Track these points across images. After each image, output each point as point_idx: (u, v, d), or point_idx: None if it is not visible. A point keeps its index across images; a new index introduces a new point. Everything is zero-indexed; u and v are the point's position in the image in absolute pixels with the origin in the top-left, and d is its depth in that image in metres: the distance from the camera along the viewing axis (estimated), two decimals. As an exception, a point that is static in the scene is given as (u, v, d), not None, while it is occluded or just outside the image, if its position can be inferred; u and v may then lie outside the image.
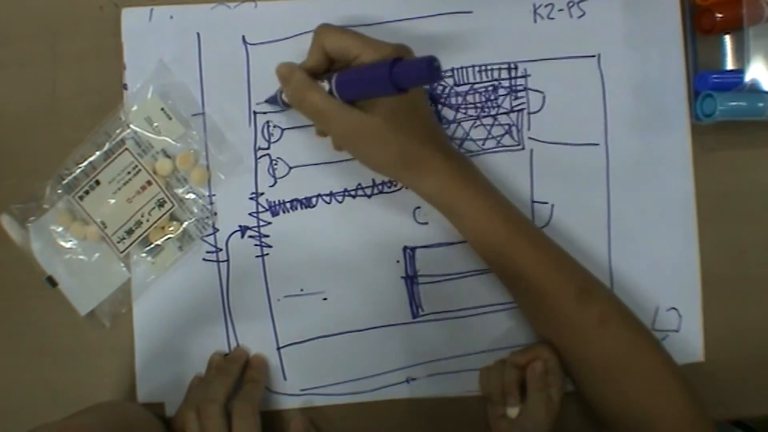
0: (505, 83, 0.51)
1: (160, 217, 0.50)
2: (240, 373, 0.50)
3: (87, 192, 0.50)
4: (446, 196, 0.44)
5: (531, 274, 0.45)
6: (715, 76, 0.49)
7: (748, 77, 0.47)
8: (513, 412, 0.47)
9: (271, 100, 0.50)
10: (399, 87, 0.37)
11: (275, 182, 0.51)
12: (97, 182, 0.49)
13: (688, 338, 0.52)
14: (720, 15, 0.48)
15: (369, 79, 0.40)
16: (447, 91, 0.51)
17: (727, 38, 0.50)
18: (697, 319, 0.52)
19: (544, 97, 0.51)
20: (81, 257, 0.51)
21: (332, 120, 0.42)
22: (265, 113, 0.51)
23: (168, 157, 0.50)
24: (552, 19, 0.51)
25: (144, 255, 0.50)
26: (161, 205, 0.50)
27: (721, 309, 0.52)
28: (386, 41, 0.42)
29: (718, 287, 0.52)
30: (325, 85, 0.42)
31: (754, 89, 0.48)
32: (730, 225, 0.52)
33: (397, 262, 0.51)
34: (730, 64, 0.51)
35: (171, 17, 0.50)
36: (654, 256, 0.51)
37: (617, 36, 0.51)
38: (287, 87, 0.44)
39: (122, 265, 0.51)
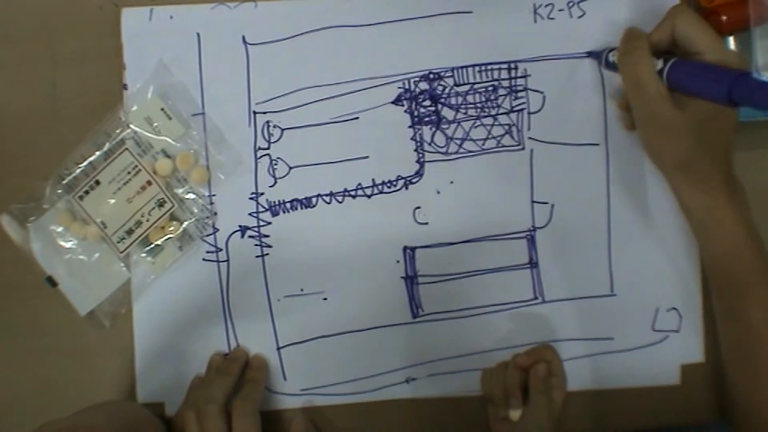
0: (505, 83, 0.51)
1: (160, 217, 0.50)
2: (240, 374, 0.50)
3: (87, 192, 0.50)
4: (708, 215, 0.44)
5: (754, 316, 0.43)
6: None
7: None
8: (515, 414, 0.47)
9: (595, 55, 0.50)
10: (734, 101, 0.37)
11: (275, 182, 0.51)
12: (97, 182, 0.49)
13: (688, 338, 0.52)
14: (726, 17, 0.48)
15: (708, 82, 0.39)
16: (447, 91, 0.51)
17: (731, 39, 0.50)
18: (698, 319, 0.52)
19: (544, 97, 0.51)
20: (81, 257, 0.51)
21: (647, 101, 0.42)
22: (264, 113, 0.51)
23: (168, 157, 0.50)
24: (552, 19, 0.51)
25: (144, 255, 0.50)
26: (161, 205, 0.50)
27: None
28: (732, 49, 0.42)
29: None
30: (658, 63, 0.42)
31: None
32: None
33: (397, 262, 0.51)
34: None
35: (171, 17, 0.50)
36: (654, 256, 0.51)
37: (618, 36, 0.51)
38: (625, 45, 0.44)
39: (122, 265, 0.51)
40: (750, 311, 0.44)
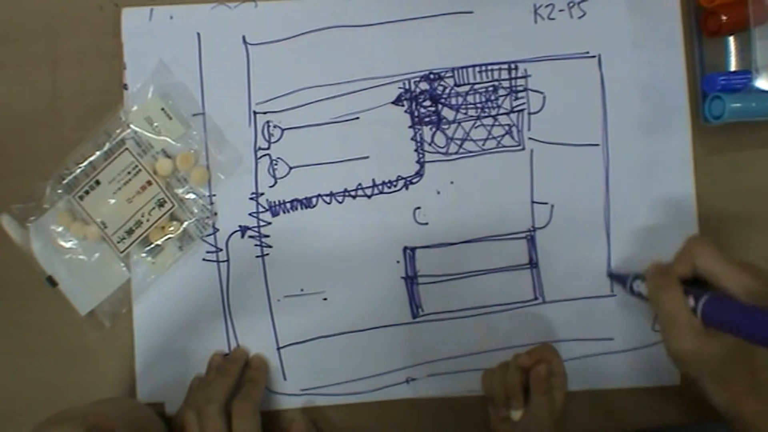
0: (506, 84, 0.51)
1: (160, 217, 0.50)
2: (240, 374, 0.50)
3: (87, 192, 0.50)
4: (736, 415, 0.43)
5: None
6: (722, 77, 0.49)
7: (756, 78, 0.47)
8: (516, 414, 0.47)
9: (619, 280, 0.50)
10: None
11: (275, 182, 0.51)
12: (98, 182, 0.49)
13: (688, 339, 0.52)
14: (726, 17, 0.48)
15: (748, 328, 0.38)
16: (447, 91, 0.51)
17: (731, 39, 0.50)
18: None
19: (544, 98, 0.51)
20: (81, 257, 0.51)
21: (681, 335, 0.41)
22: (264, 113, 0.51)
23: (168, 157, 0.50)
24: (552, 19, 0.51)
25: (144, 255, 0.50)
26: (161, 205, 0.50)
27: None
28: (755, 275, 0.40)
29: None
30: (690, 300, 0.42)
31: (762, 90, 0.48)
32: (731, 225, 0.52)
33: (397, 262, 0.51)
34: (734, 65, 0.50)
35: (171, 17, 0.50)
36: (654, 256, 0.51)
37: (618, 36, 0.51)
38: (656, 281, 0.43)
39: (122, 265, 0.51)
40: None
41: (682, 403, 0.51)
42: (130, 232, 0.50)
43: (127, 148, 0.49)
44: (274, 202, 0.51)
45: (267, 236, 0.51)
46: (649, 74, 0.51)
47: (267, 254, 0.51)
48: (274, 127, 0.51)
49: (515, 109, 0.51)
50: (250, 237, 0.51)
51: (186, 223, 0.50)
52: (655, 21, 0.51)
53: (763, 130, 0.51)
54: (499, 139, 0.51)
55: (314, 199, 0.51)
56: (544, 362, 0.47)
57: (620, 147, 0.51)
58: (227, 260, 0.51)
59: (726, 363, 0.42)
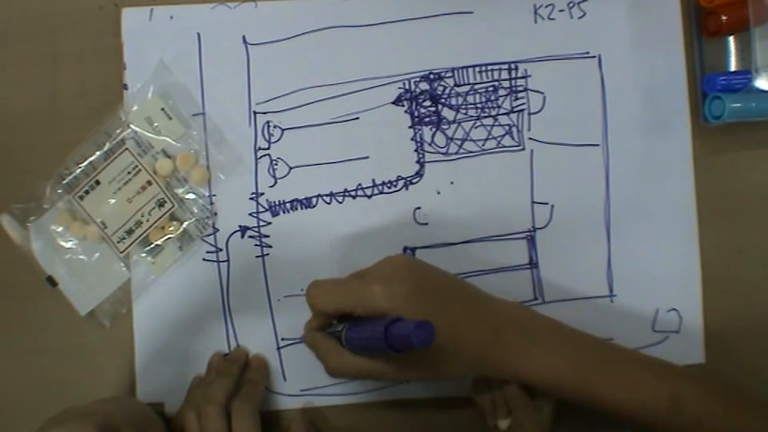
0: (506, 84, 0.51)
1: (160, 217, 0.50)
2: (240, 374, 0.50)
3: (87, 192, 0.50)
4: (528, 368, 0.42)
5: (615, 404, 0.42)
6: (722, 77, 0.49)
7: (755, 78, 0.47)
8: (503, 424, 0.46)
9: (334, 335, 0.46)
10: (398, 350, 0.36)
11: (275, 182, 0.51)
12: (97, 182, 0.49)
13: (688, 339, 0.52)
14: (726, 17, 0.48)
15: (371, 343, 0.39)
16: (447, 91, 0.51)
17: (731, 39, 0.50)
18: (698, 320, 0.52)
19: (544, 98, 0.51)
20: (81, 257, 0.51)
21: (383, 374, 0.41)
22: (265, 113, 0.51)
23: (168, 157, 0.50)
24: (552, 19, 0.51)
25: (144, 255, 0.50)
26: (161, 205, 0.50)
27: (722, 309, 0.52)
28: (374, 287, 0.40)
29: (718, 288, 0.52)
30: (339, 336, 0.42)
31: (762, 90, 0.48)
32: (731, 225, 0.52)
33: (398, 262, 0.51)
34: (734, 65, 0.50)
35: (171, 17, 0.50)
36: (654, 256, 0.51)
37: (618, 37, 0.51)
38: (324, 360, 0.44)
39: (122, 264, 0.51)
40: (610, 401, 0.42)
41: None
42: (130, 232, 0.50)
43: (127, 148, 0.49)
44: (274, 202, 0.51)
45: (267, 236, 0.51)
46: (649, 74, 0.51)
47: (267, 254, 0.51)
48: (274, 127, 0.51)
49: (515, 109, 0.51)
50: (250, 237, 0.51)
51: (186, 223, 0.50)
52: (655, 21, 0.51)
53: (763, 130, 0.51)
54: (499, 139, 0.51)
55: (314, 199, 0.51)
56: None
57: (620, 147, 0.51)
58: (227, 260, 0.51)
59: (466, 357, 0.41)
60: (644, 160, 0.51)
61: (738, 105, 0.48)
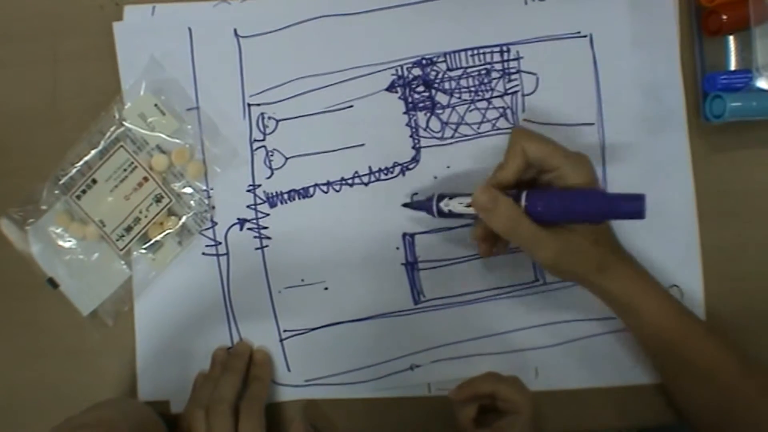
0: (498, 66, 0.51)
1: (158, 213, 0.50)
2: (246, 369, 0.50)
3: (84, 191, 0.50)
4: (628, 296, 0.45)
5: (699, 360, 0.45)
6: (723, 77, 0.49)
7: (756, 77, 0.47)
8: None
9: (420, 207, 0.48)
10: (604, 218, 0.40)
11: (272, 174, 0.51)
12: (94, 181, 0.49)
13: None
14: (726, 16, 0.48)
15: (579, 213, 0.41)
16: (440, 76, 0.51)
17: (731, 39, 0.50)
18: (700, 301, 0.51)
19: (537, 79, 0.51)
20: (81, 257, 0.51)
21: (543, 247, 0.42)
22: (259, 105, 0.51)
23: (163, 152, 0.50)
24: (542, 0, 0.51)
25: (144, 251, 0.50)
26: (159, 200, 0.50)
27: (722, 307, 0.51)
28: (576, 151, 0.43)
29: (718, 287, 0.51)
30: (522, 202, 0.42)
31: (763, 89, 0.48)
32: (732, 224, 0.51)
33: (397, 248, 0.51)
34: (734, 64, 0.50)
35: (162, 13, 0.51)
36: (654, 256, 0.51)
37: (609, 16, 0.51)
38: (492, 217, 0.42)
39: (122, 263, 0.51)
40: (695, 359, 0.45)
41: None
42: (128, 229, 0.50)
43: (122, 146, 0.49)
44: (272, 194, 0.51)
45: (266, 228, 0.51)
46: (642, 57, 0.51)
47: (266, 246, 0.51)
48: (269, 118, 0.51)
49: (509, 91, 0.51)
50: (249, 229, 0.51)
51: (184, 218, 0.50)
52: (649, 3, 0.51)
53: (763, 129, 0.51)
54: (494, 122, 0.51)
55: (311, 189, 0.51)
56: (479, 396, 0.47)
57: (615, 125, 0.51)
58: (227, 253, 0.51)
59: (600, 252, 0.43)
60: (644, 159, 0.51)
61: (738, 104, 0.48)
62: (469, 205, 0.44)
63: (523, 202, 0.42)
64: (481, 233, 0.47)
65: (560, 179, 0.43)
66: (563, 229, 0.42)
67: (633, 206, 0.39)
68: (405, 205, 0.50)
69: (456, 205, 0.45)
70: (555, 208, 0.41)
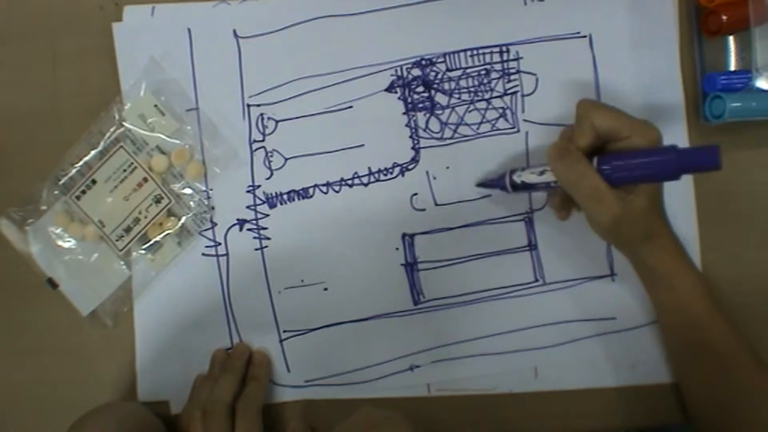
0: (498, 66, 0.51)
1: (157, 214, 0.50)
2: (244, 370, 0.50)
3: (84, 192, 0.50)
4: (667, 267, 0.46)
5: (720, 346, 0.45)
6: (723, 77, 0.49)
7: (756, 78, 0.47)
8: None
9: (494, 184, 0.49)
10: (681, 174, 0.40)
11: (271, 174, 0.51)
12: (94, 181, 0.49)
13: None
14: (726, 16, 0.48)
15: (654, 168, 0.41)
16: (440, 76, 0.51)
17: (731, 39, 0.50)
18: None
19: (537, 79, 0.51)
20: (80, 257, 0.51)
21: (605, 205, 0.42)
22: (258, 106, 0.51)
23: (163, 153, 0.50)
24: (542, 0, 0.51)
25: (143, 252, 0.50)
26: (158, 201, 0.50)
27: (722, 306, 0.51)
28: (646, 120, 0.43)
29: (718, 287, 0.51)
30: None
31: (762, 89, 0.48)
32: (731, 224, 0.51)
33: (396, 249, 0.51)
34: (733, 65, 0.50)
35: (161, 14, 0.51)
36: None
37: (608, 15, 0.51)
38: (560, 164, 0.43)
39: (122, 263, 0.51)
40: (716, 344, 0.45)
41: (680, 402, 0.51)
42: (128, 229, 0.50)
43: (121, 146, 0.49)
44: (271, 194, 0.51)
45: (265, 228, 0.51)
46: (641, 57, 0.51)
47: (266, 246, 0.51)
48: (268, 119, 0.51)
49: (508, 91, 0.51)
50: (249, 230, 0.51)
51: (184, 219, 0.50)
52: (648, 4, 0.51)
53: (763, 129, 0.51)
54: (493, 122, 0.51)
55: (311, 190, 0.51)
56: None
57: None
58: (226, 254, 0.51)
59: (651, 219, 0.44)
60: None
61: (738, 104, 0.48)
62: (542, 173, 0.45)
63: (595, 162, 0.42)
64: (558, 201, 0.48)
65: (629, 146, 0.42)
66: (626, 194, 0.42)
67: (709, 157, 0.39)
68: (479, 184, 0.50)
69: (528, 176, 0.46)
70: (629, 165, 0.41)
